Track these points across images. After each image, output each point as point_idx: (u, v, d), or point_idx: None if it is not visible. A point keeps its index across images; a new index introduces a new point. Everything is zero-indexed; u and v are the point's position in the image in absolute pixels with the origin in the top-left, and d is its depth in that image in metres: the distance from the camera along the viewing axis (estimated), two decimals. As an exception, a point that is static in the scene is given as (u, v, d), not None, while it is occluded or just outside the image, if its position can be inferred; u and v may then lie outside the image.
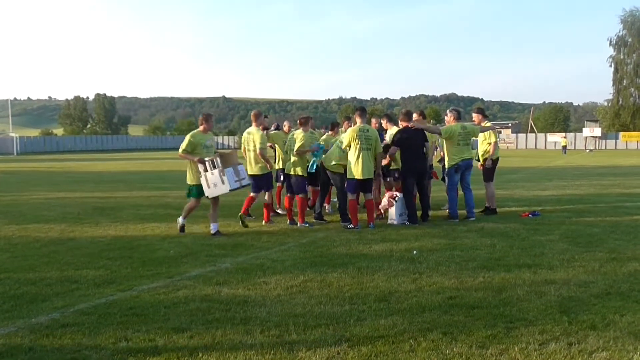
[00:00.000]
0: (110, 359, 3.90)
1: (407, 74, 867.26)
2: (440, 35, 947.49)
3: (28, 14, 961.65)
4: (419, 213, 9.88)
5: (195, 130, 8.91)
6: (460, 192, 10.18)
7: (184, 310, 4.90)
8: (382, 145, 9.95)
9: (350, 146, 9.20)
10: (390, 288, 5.56)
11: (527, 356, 3.85)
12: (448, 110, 10.52)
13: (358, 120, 9.35)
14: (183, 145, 8.70)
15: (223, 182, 8.46)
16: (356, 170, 9.13)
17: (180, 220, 9.18)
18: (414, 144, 9.69)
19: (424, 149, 9.90)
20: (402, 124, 9.95)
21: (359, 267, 6.41)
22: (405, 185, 9.77)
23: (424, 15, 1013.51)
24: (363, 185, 9.28)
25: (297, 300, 5.18)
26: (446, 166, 10.20)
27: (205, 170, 8.56)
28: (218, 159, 8.52)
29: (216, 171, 8.48)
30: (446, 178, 10.36)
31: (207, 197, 8.71)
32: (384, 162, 9.91)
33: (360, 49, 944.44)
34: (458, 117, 10.22)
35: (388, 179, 10.58)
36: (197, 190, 8.84)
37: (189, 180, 8.90)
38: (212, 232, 8.78)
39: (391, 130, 10.39)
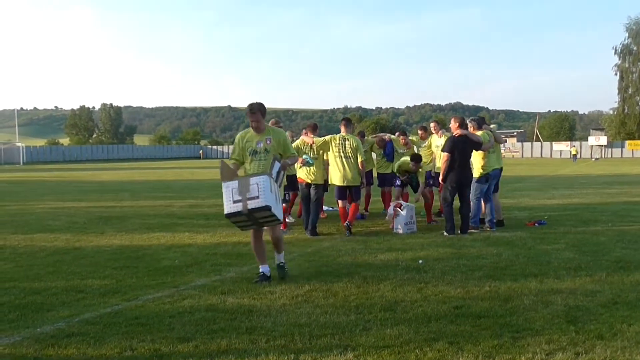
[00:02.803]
0: (116, 368, 3.89)
1: (412, 83, 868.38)
2: (445, 45, 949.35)
3: (34, 24, 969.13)
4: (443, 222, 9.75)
5: (244, 130, 6.72)
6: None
7: (189, 320, 4.89)
8: (411, 156, 10.67)
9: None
10: (396, 297, 5.54)
11: (534, 366, 3.82)
12: (468, 121, 10.27)
13: (342, 129, 9.79)
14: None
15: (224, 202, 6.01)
16: (335, 176, 9.72)
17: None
18: (464, 153, 9.47)
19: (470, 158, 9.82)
20: (455, 132, 9.58)
21: (364, 277, 6.39)
22: (445, 195, 9.61)
23: (429, 24, 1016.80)
24: (347, 192, 9.77)
25: (302, 310, 5.16)
26: (475, 175, 9.86)
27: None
28: (222, 167, 6.11)
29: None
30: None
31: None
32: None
33: (365, 58, 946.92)
34: (479, 127, 10.07)
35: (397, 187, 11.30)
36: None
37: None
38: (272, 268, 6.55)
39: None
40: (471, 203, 9.90)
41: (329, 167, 9.98)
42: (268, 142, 6.44)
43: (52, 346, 4.29)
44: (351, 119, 10.39)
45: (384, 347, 4.18)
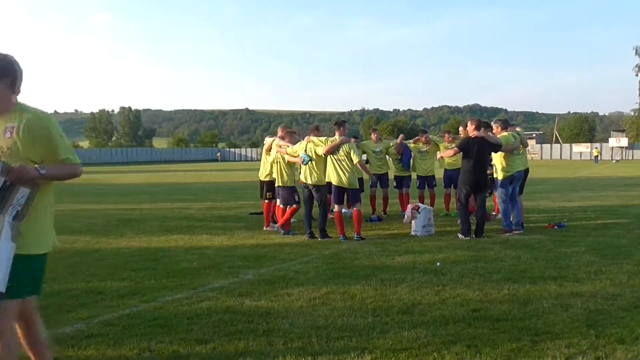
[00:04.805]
0: (134, 369, 3.92)
1: (430, 85, 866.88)
2: (463, 46, 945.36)
3: (55, 29, 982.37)
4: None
5: None
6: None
7: (207, 322, 4.92)
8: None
9: (326, 155, 9.49)
10: (413, 300, 5.52)
11: (553, 370, 3.78)
12: (493, 122, 10.20)
13: (337, 132, 9.57)
14: None
15: None
16: (333, 176, 9.44)
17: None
18: (480, 155, 9.39)
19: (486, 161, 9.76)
20: (472, 133, 9.56)
21: (382, 279, 6.37)
22: (460, 196, 9.60)
23: (447, 26, 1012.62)
24: (345, 194, 9.59)
25: (319, 312, 5.16)
26: (499, 178, 9.85)
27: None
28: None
29: None
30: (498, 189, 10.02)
31: None
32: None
33: (382, 60, 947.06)
34: (505, 127, 9.98)
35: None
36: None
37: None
38: None
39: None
40: (499, 207, 9.87)
41: (327, 168, 9.63)
42: (9, 133, 3.21)
43: (72, 347, 4.33)
44: (346, 121, 10.10)
45: (402, 349, 4.16)
